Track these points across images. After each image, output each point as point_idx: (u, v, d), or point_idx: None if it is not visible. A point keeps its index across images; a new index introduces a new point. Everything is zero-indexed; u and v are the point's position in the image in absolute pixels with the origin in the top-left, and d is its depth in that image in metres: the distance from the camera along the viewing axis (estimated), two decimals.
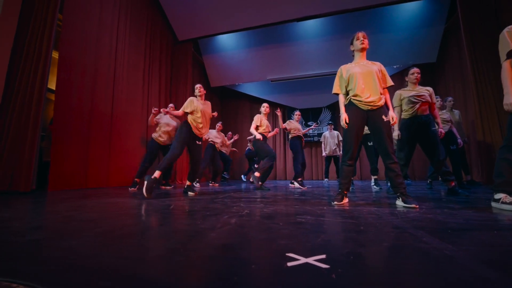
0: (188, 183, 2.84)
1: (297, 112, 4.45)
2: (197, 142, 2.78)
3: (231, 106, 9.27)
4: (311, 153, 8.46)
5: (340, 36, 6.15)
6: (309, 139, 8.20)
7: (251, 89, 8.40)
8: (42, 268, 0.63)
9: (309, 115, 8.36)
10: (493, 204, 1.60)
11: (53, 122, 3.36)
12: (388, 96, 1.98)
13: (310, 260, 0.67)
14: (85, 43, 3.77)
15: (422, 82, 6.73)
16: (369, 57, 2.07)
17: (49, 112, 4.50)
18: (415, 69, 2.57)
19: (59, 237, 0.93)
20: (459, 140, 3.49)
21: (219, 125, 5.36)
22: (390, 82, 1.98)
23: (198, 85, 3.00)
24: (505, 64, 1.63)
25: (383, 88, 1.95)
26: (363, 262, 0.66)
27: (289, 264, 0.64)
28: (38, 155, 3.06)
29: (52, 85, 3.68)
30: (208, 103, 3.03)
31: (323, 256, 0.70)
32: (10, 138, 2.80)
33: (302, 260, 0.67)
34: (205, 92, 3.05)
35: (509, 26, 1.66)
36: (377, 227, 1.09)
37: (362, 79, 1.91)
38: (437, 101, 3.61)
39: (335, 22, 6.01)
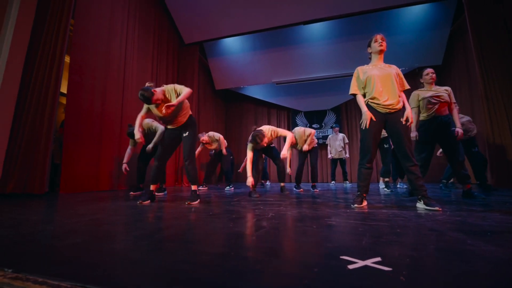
0: (193, 187, 2.37)
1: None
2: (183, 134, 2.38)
3: (235, 109, 9.29)
4: (315, 155, 8.45)
5: (346, 39, 6.19)
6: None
7: (255, 91, 8.43)
8: (107, 273, 0.63)
9: (314, 118, 8.38)
10: None
11: (64, 124, 3.37)
12: (405, 97, 1.97)
13: (368, 262, 0.67)
14: (96, 47, 3.80)
15: None
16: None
17: (59, 115, 4.52)
18: (429, 70, 2.57)
19: (100, 241, 0.93)
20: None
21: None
22: (407, 86, 1.98)
23: None
24: None
25: (401, 91, 1.96)
26: (423, 265, 0.66)
27: (350, 267, 0.64)
28: (51, 158, 3.07)
29: (63, 88, 3.70)
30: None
31: (379, 259, 0.70)
32: (24, 141, 2.81)
33: (360, 263, 0.67)
34: None
35: None
36: (413, 229, 1.09)
37: (380, 82, 1.91)
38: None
39: (341, 25, 6.05)
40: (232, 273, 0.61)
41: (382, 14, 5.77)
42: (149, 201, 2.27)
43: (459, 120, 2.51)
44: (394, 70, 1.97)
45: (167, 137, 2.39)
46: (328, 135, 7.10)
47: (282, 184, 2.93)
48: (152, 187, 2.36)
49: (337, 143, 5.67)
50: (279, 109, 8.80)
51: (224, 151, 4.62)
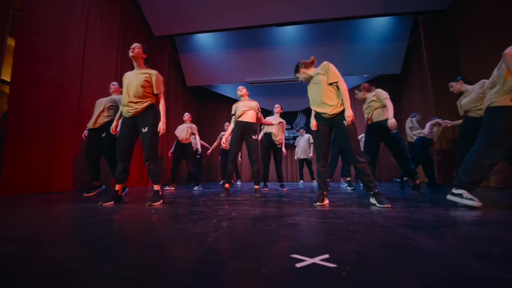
0: (155, 187, 2.23)
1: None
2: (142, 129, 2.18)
3: (209, 107, 9.12)
4: (286, 155, 8.66)
5: (317, 43, 6.42)
6: (285, 141, 8.39)
7: (228, 90, 8.35)
8: (33, 286, 0.56)
9: (285, 119, 8.52)
10: (453, 198, 1.76)
11: (7, 117, 2.98)
12: (342, 89, 1.95)
13: (316, 260, 0.69)
14: (50, 32, 3.43)
15: (389, 92, 7.21)
16: (343, 66, 2.23)
17: (2, 105, 3.99)
18: (356, 91, 3.03)
19: (34, 249, 0.83)
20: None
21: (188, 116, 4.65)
22: (335, 78, 1.97)
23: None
24: None
25: (336, 83, 1.98)
26: (366, 260, 0.69)
27: (298, 265, 0.65)
28: None
29: (5, 76, 3.27)
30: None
31: (327, 256, 0.72)
32: None
33: (309, 260, 0.69)
34: (139, 51, 2.19)
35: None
36: (365, 226, 1.16)
37: (313, 94, 2.09)
38: (415, 116, 3.94)
39: (312, 30, 6.26)
40: (178, 278, 0.58)
41: (350, 23, 6.10)
42: (112, 202, 2.11)
43: (392, 112, 2.68)
44: (321, 74, 2.02)
45: (122, 130, 2.18)
46: (297, 136, 7.34)
47: (256, 186, 2.88)
48: (117, 187, 2.20)
49: (303, 144, 5.93)
50: None
51: (194, 144, 4.50)
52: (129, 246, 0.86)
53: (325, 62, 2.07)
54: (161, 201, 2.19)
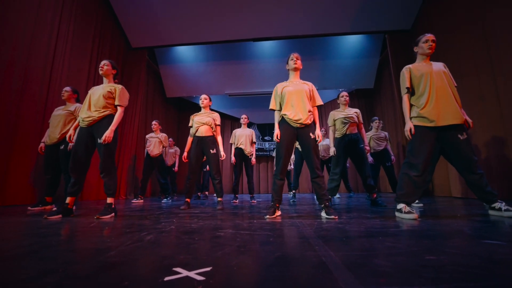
0: (108, 199, 2.19)
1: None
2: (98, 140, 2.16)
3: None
4: (267, 167, 8.68)
5: None
6: (266, 153, 8.44)
7: None
8: None
9: (266, 130, 8.66)
10: (396, 213, 1.84)
11: None
12: (316, 114, 2.13)
13: (192, 273, 0.69)
14: (16, 39, 3.38)
15: (364, 105, 7.47)
16: (319, 80, 2.26)
17: None
18: (344, 93, 2.91)
19: None
20: (393, 157, 3.81)
21: (155, 123, 4.58)
22: (319, 102, 2.14)
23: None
24: (405, 97, 1.98)
25: (313, 107, 2.11)
26: (240, 272, 0.70)
27: (166, 278, 0.65)
28: None
29: None
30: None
31: (208, 269, 0.72)
32: None
33: (184, 273, 0.68)
34: (108, 68, 2.30)
35: (406, 66, 2.02)
36: (285, 238, 1.17)
37: (292, 98, 2.05)
38: (376, 122, 3.97)
39: (289, 45, 6.49)
40: None
41: (326, 40, 6.37)
42: (60, 215, 2.04)
43: (367, 137, 2.87)
44: (307, 86, 2.12)
45: (78, 140, 2.15)
46: None
47: (219, 199, 2.86)
48: (68, 200, 2.13)
49: None
50: (233, 120, 8.89)
51: (164, 155, 4.49)
52: (19, 259, 0.82)
53: (312, 84, 2.18)
54: (112, 214, 2.13)
